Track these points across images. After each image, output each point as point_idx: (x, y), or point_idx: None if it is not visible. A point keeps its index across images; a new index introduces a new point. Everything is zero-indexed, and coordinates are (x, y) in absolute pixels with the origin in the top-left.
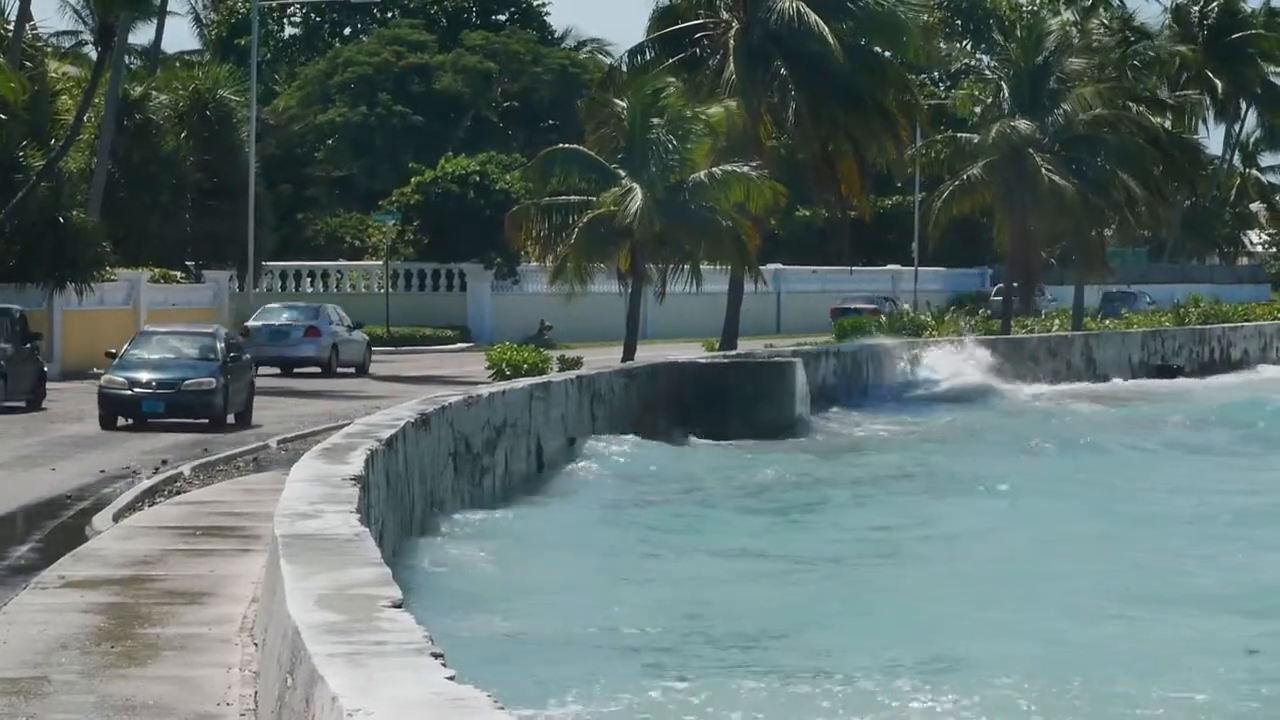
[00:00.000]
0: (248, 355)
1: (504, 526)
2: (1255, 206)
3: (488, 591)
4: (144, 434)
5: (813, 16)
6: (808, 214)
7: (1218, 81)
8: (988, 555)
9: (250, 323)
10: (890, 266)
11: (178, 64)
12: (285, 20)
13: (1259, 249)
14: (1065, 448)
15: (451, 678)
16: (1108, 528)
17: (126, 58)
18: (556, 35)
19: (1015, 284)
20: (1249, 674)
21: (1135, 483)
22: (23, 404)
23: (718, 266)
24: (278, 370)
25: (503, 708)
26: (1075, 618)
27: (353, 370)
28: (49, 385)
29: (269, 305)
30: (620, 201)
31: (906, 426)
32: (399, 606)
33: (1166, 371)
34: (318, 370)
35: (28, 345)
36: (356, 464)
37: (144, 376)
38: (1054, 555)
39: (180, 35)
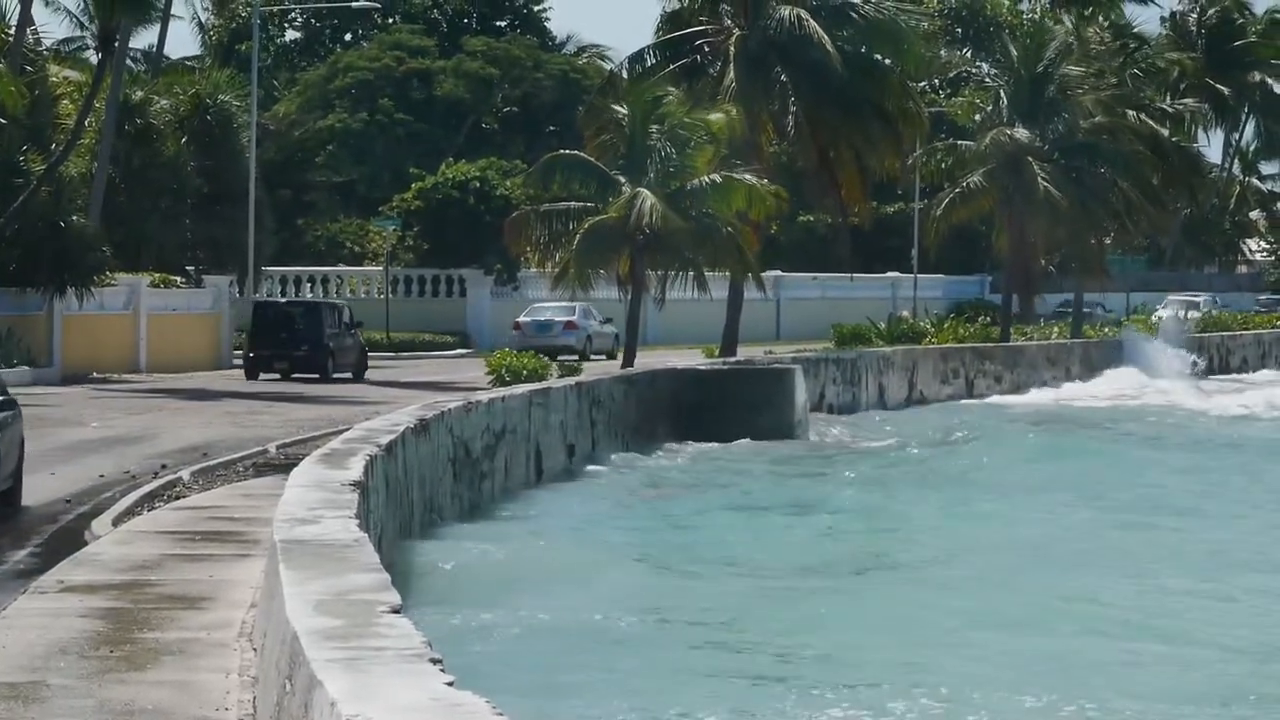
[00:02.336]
0: (17, 403)
1: None
2: (1254, 215)
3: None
4: (147, 439)
5: (813, 24)
6: (810, 220)
7: (1218, 89)
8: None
9: (520, 318)
10: (890, 274)
11: (180, 69)
12: (286, 25)
13: (1258, 257)
14: None
15: (450, 683)
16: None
17: (128, 62)
18: (557, 41)
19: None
20: None
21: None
22: (349, 375)
23: (718, 273)
24: (544, 358)
25: (501, 713)
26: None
27: (604, 356)
28: (56, 389)
29: (536, 304)
30: (627, 207)
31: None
32: (398, 612)
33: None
34: (575, 356)
35: (351, 331)
36: (356, 469)
37: None
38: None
39: (182, 40)
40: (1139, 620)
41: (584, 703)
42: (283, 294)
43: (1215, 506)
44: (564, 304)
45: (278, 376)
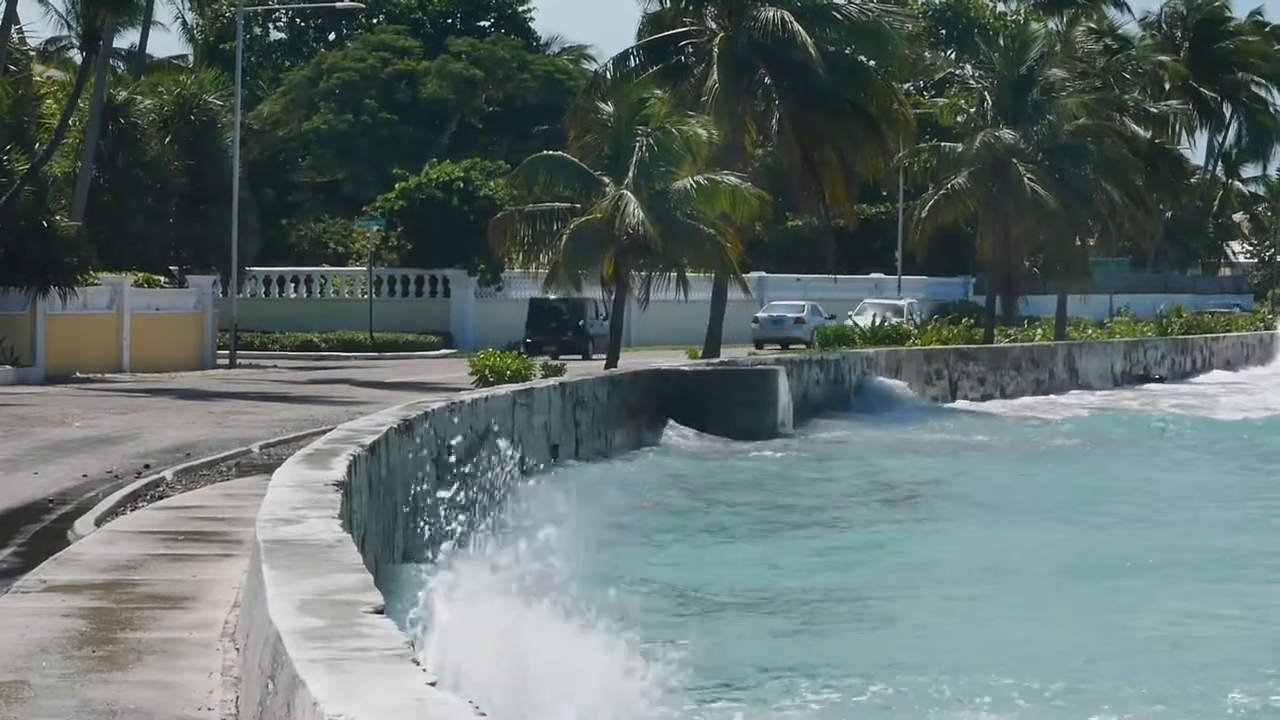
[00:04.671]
0: None
1: None
2: (1237, 217)
3: None
4: (130, 439)
5: (797, 26)
6: (799, 223)
7: (1202, 91)
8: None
9: (759, 314)
10: (873, 275)
11: (164, 68)
12: (270, 25)
13: (1241, 259)
14: None
15: (432, 684)
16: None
17: (112, 62)
18: (542, 42)
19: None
20: None
21: None
22: (604, 355)
23: (701, 274)
24: (778, 345)
25: (484, 714)
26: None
27: None
28: (39, 388)
29: (774, 301)
30: (611, 209)
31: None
32: (380, 613)
33: (1147, 381)
34: (804, 346)
35: (604, 321)
36: (339, 469)
37: None
38: None
39: (166, 40)
40: None
41: None
42: (267, 294)
43: None
44: (795, 302)
45: (547, 358)
